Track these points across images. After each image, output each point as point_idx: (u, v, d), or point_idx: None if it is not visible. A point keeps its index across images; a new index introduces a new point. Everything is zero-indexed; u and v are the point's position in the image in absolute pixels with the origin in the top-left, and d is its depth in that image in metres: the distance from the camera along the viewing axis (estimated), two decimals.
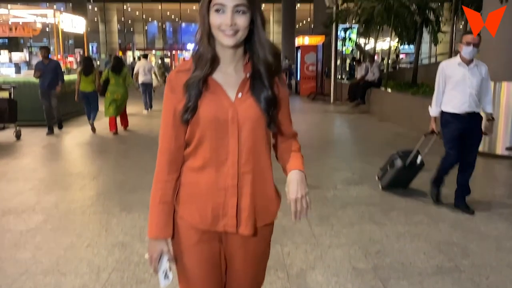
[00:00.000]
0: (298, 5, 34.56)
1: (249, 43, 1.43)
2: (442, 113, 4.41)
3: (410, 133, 8.98)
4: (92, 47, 38.87)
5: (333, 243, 3.66)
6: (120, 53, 37.30)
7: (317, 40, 18.62)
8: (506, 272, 3.19)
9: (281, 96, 1.49)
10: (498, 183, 5.87)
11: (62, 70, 9.82)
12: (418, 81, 12.56)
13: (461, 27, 9.81)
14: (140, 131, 9.49)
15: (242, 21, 1.35)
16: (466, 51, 4.17)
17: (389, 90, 11.75)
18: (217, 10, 1.35)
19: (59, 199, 4.85)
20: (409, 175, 5.05)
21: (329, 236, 3.79)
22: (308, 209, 1.48)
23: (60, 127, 9.55)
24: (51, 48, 12.51)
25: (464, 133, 4.29)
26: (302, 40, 20.20)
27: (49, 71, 8.86)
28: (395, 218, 4.28)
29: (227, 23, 1.34)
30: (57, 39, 12.16)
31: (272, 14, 41.14)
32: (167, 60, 41.28)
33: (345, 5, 15.57)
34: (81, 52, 15.48)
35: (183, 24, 43.88)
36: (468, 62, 4.24)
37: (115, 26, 41.69)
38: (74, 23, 11.77)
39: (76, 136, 8.99)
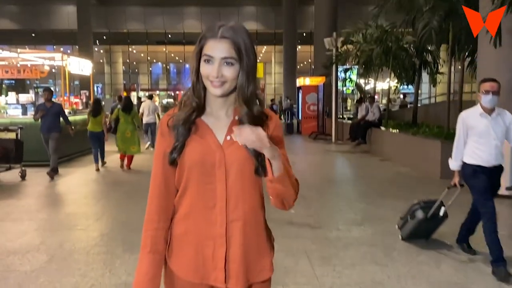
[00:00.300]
0: (299, 47, 35.41)
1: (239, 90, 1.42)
2: (465, 165, 4.13)
3: (411, 173, 9.05)
4: (97, 88, 39.55)
5: (335, 284, 3.68)
6: (125, 94, 38.08)
7: (318, 80, 19.00)
8: None
9: (272, 136, 1.40)
10: (500, 223, 5.90)
11: (68, 111, 10.07)
12: (418, 121, 12.76)
13: (459, 67, 10.05)
14: (143, 171, 9.58)
15: (229, 72, 1.37)
16: (486, 99, 3.90)
17: (390, 130, 11.92)
18: (206, 61, 1.37)
19: (64, 239, 4.90)
20: (431, 227, 4.78)
21: (331, 277, 3.82)
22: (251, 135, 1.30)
23: (55, 171, 8.54)
24: (57, 89, 12.83)
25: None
26: (303, 81, 20.65)
27: (51, 114, 8.60)
28: (396, 258, 4.31)
29: (213, 75, 1.36)
30: (64, 81, 12.49)
31: (273, 56, 42.08)
32: (170, 100, 41.98)
33: (344, 47, 15.99)
34: (87, 94, 15.80)
35: (187, 65, 44.89)
36: (489, 111, 3.97)
37: (120, 68, 42.66)
38: (81, 66, 12.11)
39: (80, 176, 9.09)
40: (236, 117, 1.44)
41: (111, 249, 4.54)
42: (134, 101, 32.87)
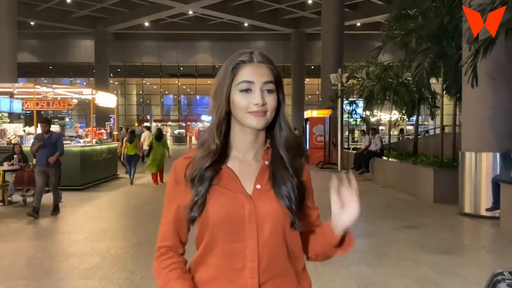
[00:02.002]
0: (307, 79, 36.72)
1: (269, 126, 1.26)
2: None
3: (408, 198, 9.95)
4: (111, 118, 40.99)
5: (333, 278, 4.60)
6: (136, 124, 39.50)
7: (325, 113, 20.08)
8: None
9: (305, 179, 1.32)
10: (478, 237, 6.81)
11: (95, 140, 11.19)
12: (419, 151, 13.69)
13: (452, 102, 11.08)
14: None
15: (271, 100, 1.22)
16: None
17: (390, 159, 12.87)
18: (244, 90, 1.21)
19: (109, 246, 5.87)
20: None
21: (330, 273, 4.74)
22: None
23: (56, 211, 8.07)
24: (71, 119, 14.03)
25: None
26: (310, 113, 21.75)
27: (49, 145, 7.89)
28: (386, 262, 5.22)
29: (258, 102, 1.19)
30: (90, 113, 13.70)
31: None
32: (182, 131, 43.28)
33: (349, 82, 17.12)
34: (111, 125, 17.07)
35: (198, 97, 46.37)
36: None
37: (134, 99, 44.28)
38: (107, 100, 13.32)
39: (109, 198, 10.11)
40: (266, 162, 1.28)
41: (148, 253, 5.49)
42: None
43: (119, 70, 40.48)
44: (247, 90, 1.21)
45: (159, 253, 1.30)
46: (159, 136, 12.34)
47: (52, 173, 7.92)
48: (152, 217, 7.92)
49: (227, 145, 1.27)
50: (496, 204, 7.06)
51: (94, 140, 12.47)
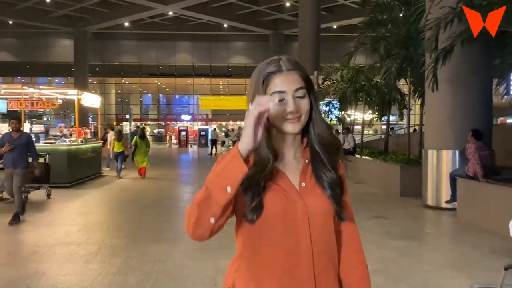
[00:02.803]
0: None
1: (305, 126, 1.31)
2: None
3: (378, 192, 10.73)
4: (90, 118, 41.01)
5: None
6: (114, 123, 39.65)
7: None
8: (420, 275, 4.81)
9: (342, 173, 1.36)
10: (436, 226, 7.59)
11: (81, 139, 11.61)
12: (390, 149, 14.53)
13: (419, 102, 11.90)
14: (149, 187, 11.12)
15: (304, 105, 1.27)
16: None
17: (363, 157, 13.65)
18: (277, 99, 1.24)
19: (104, 236, 6.41)
20: None
21: None
22: None
23: (15, 220, 7.11)
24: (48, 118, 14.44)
25: None
26: None
27: (19, 146, 7.30)
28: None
29: (292, 110, 1.24)
30: (76, 114, 14.06)
31: None
32: (161, 130, 43.48)
33: (325, 83, 17.88)
34: (96, 125, 17.53)
35: (177, 96, 46.64)
36: None
37: (113, 98, 44.28)
38: (92, 100, 13.73)
39: (97, 195, 10.58)
40: (307, 160, 1.33)
41: (142, 241, 6.07)
42: (126, 130, 34.49)
43: (97, 69, 40.48)
44: (280, 100, 1.25)
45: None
46: (142, 135, 13.85)
47: (18, 173, 7.23)
48: (142, 211, 8.50)
49: (274, 147, 1.28)
50: (453, 197, 7.85)
51: (79, 140, 12.87)
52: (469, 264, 5.27)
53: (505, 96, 9.65)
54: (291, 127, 1.26)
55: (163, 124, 45.28)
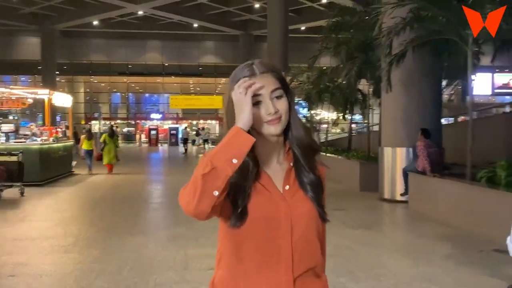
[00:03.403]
0: None
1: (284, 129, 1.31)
2: None
3: (340, 187, 11.40)
4: (59, 117, 40.55)
5: None
6: (82, 122, 39.29)
7: None
8: (370, 258, 5.43)
9: (320, 174, 1.37)
10: (390, 217, 8.29)
11: (52, 139, 11.83)
12: (354, 147, 15.27)
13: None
14: (118, 185, 11.46)
15: (282, 105, 1.27)
16: None
17: (327, 154, 14.35)
18: (255, 103, 1.24)
19: (80, 230, 6.79)
20: None
21: None
22: None
23: None
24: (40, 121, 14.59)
25: None
26: None
27: None
28: None
29: (270, 111, 1.25)
30: (46, 113, 14.21)
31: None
32: (131, 129, 43.28)
33: (293, 83, 18.51)
34: (66, 124, 17.74)
35: (147, 95, 46.55)
36: None
37: (82, 97, 43.84)
38: (63, 100, 13.92)
39: (71, 191, 10.85)
40: (291, 164, 1.34)
41: (116, 234, 6.48)
42: (95, 129, 34.34)
43: (65, 68, 40.01)
44: (258, 103, 1.25)
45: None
46: (112, 133, 14.92)
47: None
48: (115, 207, 8.88)
49: (255, 152, 1.28)
50: (406, 190, 8.56)
51: (51, 139, 13.05)
52: (415, 249, 5.93)
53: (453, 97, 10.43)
54: (273, 128, 1.26)
55: (133, 123, 45.03)
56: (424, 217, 7.64)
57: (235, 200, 1.26)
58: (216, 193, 1.16)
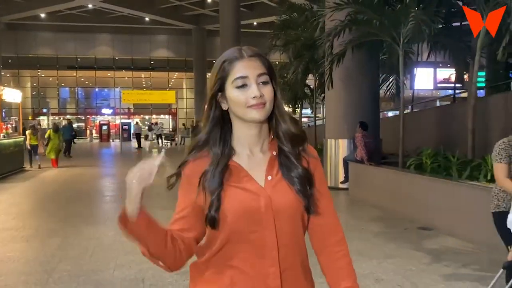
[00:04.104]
0: (208, 74, 38.04)
1: (269, 118, 1.27)
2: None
3: None
4: (3, 111, 39.14)
5: None
6: (30, 117, 38.17)
7: None
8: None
9: (312, 168, 1.31)
10: (338, 209, 9.03)
11: (3, 134, 11.83)
12: None
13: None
14: (66, 177, 11.65)
15: (267, 91, 1.23)
16: None
17: None
18: (240, 86, 1.22)
19: (39, 222, 7.08)
20: None
21: None
22: None
23: None
24: None
25: None
26: None
27: None
28: None
29: (256, 94, 1.20)
30: None
31: (185, 82, 44.58)
32: (81, 124, 42.42)
33: None
34: (16, 120, 17.61)
35: (97, 89, 45.65)
36: None
37: (29, 92, 42.46)
38: (13, 95, 13.82)
39: (25, 185, 10.93)
40: (274, 153, 1.29)
41: (75, 224, 6.81)
42: (44, 125, 33.52)
43: (10, 61, 38.66)
44: (243, 86, 1.22)
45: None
46: (56, 129, 15.73)
47: None
48: (70, 201, 9.14)
49: (231, 142, 1.27)
50: (346, 178, 9.34)
51: (1, 134, 12.97)
52: (350, 228, 6.61)
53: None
54: (256, 113, 1.22)
55: (83, 118, 44.10)
56: (362, 201, 8.43)
57: (209, 192, 1.23)
58: (160, 263, 1.28)
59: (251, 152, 1.29)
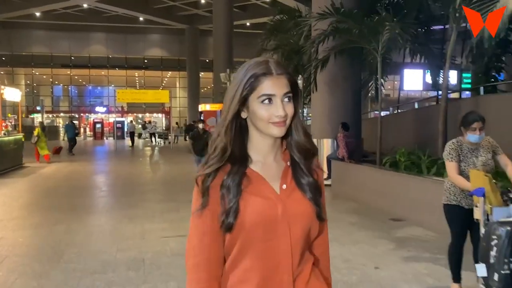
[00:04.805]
0: (202, 73, 38.79)
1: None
2: None
3: None
4: None
5: None
6: (23, 115, 38.40)
7: (217, 107, 22.50)
8: None
9: (320, 180, 1.38)
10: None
11: (4, 132, 12.39)
12: None
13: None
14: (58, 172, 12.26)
15: (290, 109, 1.27)
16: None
17: None
18: (267, 100, 1.25)
19: (44, 212, 7.67)
20: None
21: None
22: None
23: None
24: None
25: None
26: (204, 107, 24.06)
27: None
28: None
29: (281, 114, 1.25)
30: None
31: (178, 81, 45.10)
32: (74, 122, 42.75)
33: None
34: (16, 118, 18.21)
35: (90, 87, 46.00)
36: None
37: (23, 90, 42.76)
38: (13, 94, 14.37)
39: (26, 181, 11.49)
40: (288, 163, 1.34)
41: (79, 214, 7.41)
42: (35, 122, 33.82)
43: (4, 59, 39.00)
44: (269, 100, 1.25)
45: (197, 276, 1.28)
46: (43, 128, 16.89)
47: None
48: (69, 194, 9.75)
49: (246, 150, 1.32)
50: (329, 175, 10.01)
51: (2, 132, 13.51)
52: (330, 219, 7.26)
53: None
54: (277, 131, 1.26)
55: (77, 116, 44.40)
56: (342, 196, 9.09)
57: (228, 199, 1.26)
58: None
59: (265, 161, 1.33)
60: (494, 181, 3.54)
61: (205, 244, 1.27)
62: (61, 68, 42.52)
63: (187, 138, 26.84)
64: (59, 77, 43.94)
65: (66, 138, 20.90)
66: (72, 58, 41.84)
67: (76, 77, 44.36)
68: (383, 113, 23.23)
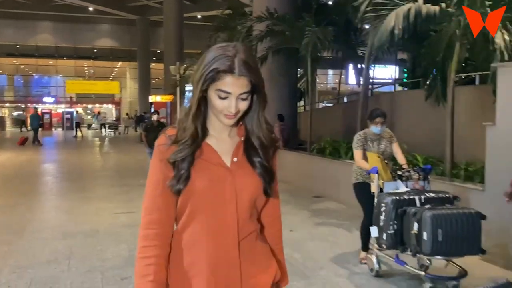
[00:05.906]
0: (153, 64, 38.84)
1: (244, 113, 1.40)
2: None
3: None
4: None
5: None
6: None
7: (167, 98, 23.14)
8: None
9: (274, 169, 1.49)
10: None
11: None
12: None
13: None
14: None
15: (243, 106, 1.34)
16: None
17: None
18: (222, 96, 1.32)
19: (2, 195, 8.34)
20: None
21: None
22: None
23: None
24: None
25: None
26: (154, 98, 24.59)
27: None
28: None
29: (232, 112, 1.33)
30: None
31: (128, 71, 44.98)
32: (21, 112, 41.81)
33: (187, 72, 20.42)
34: None
35: (36, 77, 44.94)
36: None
37: None
38: None
39: None
40: (242, 138, 1.44)
41: (35, 196, 8.14)
42: None
43: None
44: (225, 97, 1.31)
45: (147, 232, 1.38)
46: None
47: None
48: (24, 181, 10.38)
49: (204, 125, 1.40)
50: None
51: None
52: None
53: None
54: (228, 122, 1.36)
55: (23, 106, 43.34)
56: (278, 179, 10.25)
57: (180, 167, 1.35)
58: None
59: (220, 136, 1.42)
60: (386, 161, 4.47)
61: (157, 205, 1.39)
62: (6, 57, 41.37)
63: (137, 129, 27.25)
64: (3, 66, 42.70)
65: (30, 128, 21.14)
66: (18, 46, 40.81)
67: (22, 67, 43.31)
68: (322, 105, 24.83)
